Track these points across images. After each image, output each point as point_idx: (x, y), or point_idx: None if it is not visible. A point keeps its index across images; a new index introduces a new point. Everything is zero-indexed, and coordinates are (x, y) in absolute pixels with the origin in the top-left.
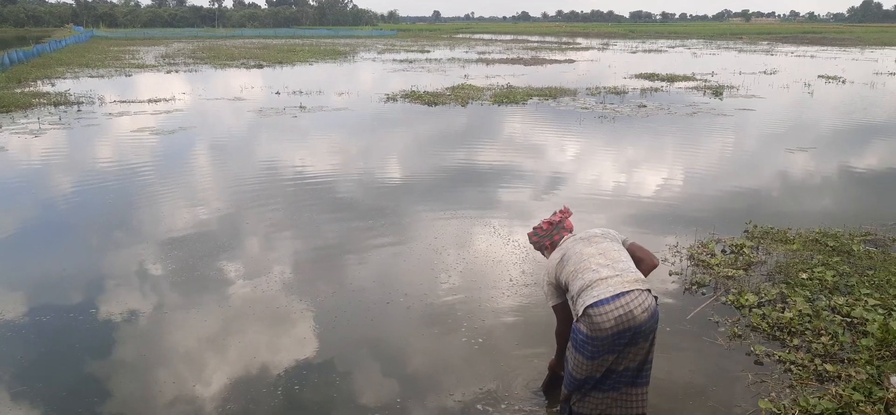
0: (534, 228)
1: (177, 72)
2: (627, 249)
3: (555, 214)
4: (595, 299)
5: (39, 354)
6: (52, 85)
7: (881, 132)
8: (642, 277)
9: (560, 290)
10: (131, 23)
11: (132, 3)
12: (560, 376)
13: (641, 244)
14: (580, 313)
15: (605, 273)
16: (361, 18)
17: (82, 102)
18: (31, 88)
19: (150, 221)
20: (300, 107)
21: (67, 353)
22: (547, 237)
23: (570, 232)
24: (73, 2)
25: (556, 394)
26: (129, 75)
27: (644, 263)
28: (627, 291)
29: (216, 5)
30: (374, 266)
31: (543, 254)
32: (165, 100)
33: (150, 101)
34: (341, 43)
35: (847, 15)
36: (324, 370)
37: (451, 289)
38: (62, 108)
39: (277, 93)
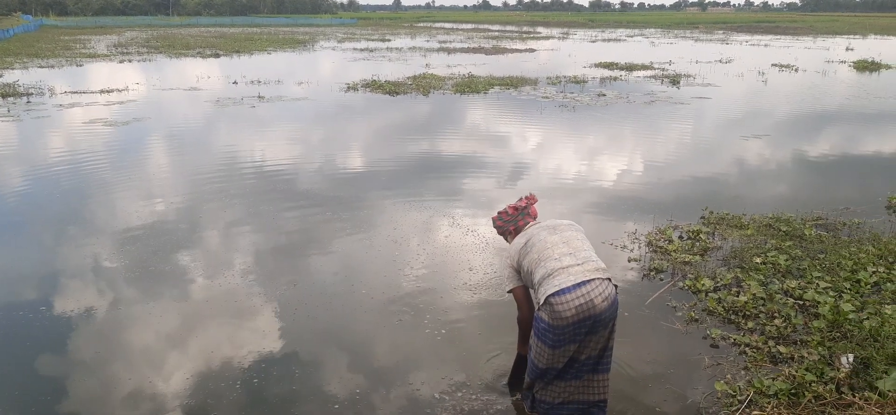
0: (498, 213)
1: (130, 61)
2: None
3: (520, 199)
4: (556, 288)
5: None
6: (0, 76)
7: (832, 119)
8: (603, 266)
9: (520, 274)
10: (82, 11)
11: None
12: (524, 367)
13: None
14: (542, 302)
15: (566, 262)
16: (320, 7)
17: (32, 94)
18: None
19: (105, 215)
20: (259, 97)
21: (20, 351)
22: (512, 222)
23: (534, 219)
24: None
25: (520, 383)
26: (81, 65)
27: None
28: (589, 280)
29: None
30: (336, 258)
31: (506, 239)
32: (119, 90)
33: (102, 91)
34: (300, 31)
35: (800, 3)
36: (284, 363)
37: (413, 279)
38: (11, 99)
39: (235, 83)
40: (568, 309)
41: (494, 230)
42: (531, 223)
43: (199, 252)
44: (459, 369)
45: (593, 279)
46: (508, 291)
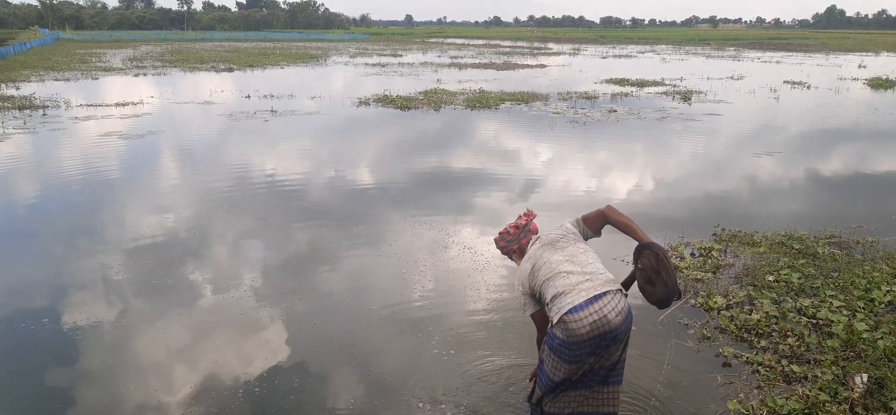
0: (500, 234)
1: (145, 75)
2: (586, 224)
3: (520, 217)
4: (570, 306)
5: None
6: (17, 88)
7: (845, 137)
8: (612, 276)
9: (535, 298)
10: (98, 25)
11: (99, 5)
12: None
13: (590, 214)
14: (555, 321)
15: (575, 279)
16: (333, 22)
17: (48, 106)
18: None
19: (117, 227)
20: (271, 111)
21: (29, 362)
22: (514, 241)
23: (536, 234)
24: (38, 3)
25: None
26: (96, 79)
27: (616, 220)
28: (601, 295)
29: (185, 8)
30: (345, 273)
31: (512, 259)
32: (133, 103)
33: (117, 104)
34: (313, 47)
35: (812, 21)
36: (290, 377)
37: (423, 296)
38: (27, 112)
39: (248, 97)
40: (582, 326)
41: (498, 251)
42: (534, 240)
43: (210, 265)
44: (468, 387)
45: (606, 293)
46: (530, 315)
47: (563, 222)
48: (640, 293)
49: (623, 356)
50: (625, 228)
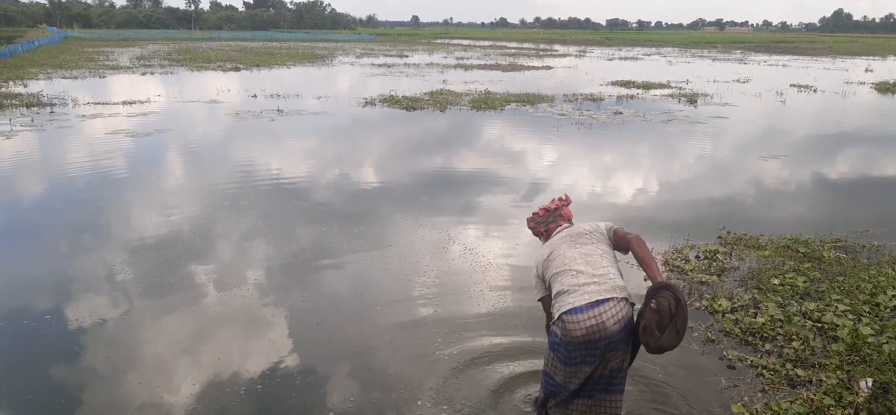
0: (532, 214)
1: (152, 74)
2: (616, 237)
3: (552, 200)
4: (570, 307)
5: (4, 359)
6: (25, 86)
7: (851, 140)
8: (622, 283)
9: (546, 285)
10: (106, 23)
11: (107, 3)
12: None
13: (622, 230)
14: (555, 317)
15: (583, 279)
16: (340, 22)
17: (55, 104)
18: (3, 90)
19: (123, 225)
20: (278, 110)
21: (33, 358)
22: (542, 224)
23: (568, 221)
24: (46, 2)
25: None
26: (104, 77)
27: (637, 254)
28: (604, 300)
29: (192, 7)
30: (349, 272)
31: (540, 239)
32: (140, 102)
33: (124, 103)
34: (319, 47)
35: (818, 25)
36: (292, 375)
37: (425, 296)
38: (35, 109)
39: (254, 96)
40: (578, 329)
41: (529, 231)
42: (561, 227)
43: (215, 264)
44: (468, 387)
45: (609, 299)
46: (538, 300)
47: (599, 222)
48: (641, 335)
49: (624, 365)
50: (643, 263)
